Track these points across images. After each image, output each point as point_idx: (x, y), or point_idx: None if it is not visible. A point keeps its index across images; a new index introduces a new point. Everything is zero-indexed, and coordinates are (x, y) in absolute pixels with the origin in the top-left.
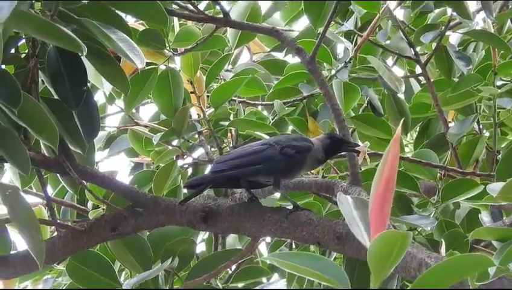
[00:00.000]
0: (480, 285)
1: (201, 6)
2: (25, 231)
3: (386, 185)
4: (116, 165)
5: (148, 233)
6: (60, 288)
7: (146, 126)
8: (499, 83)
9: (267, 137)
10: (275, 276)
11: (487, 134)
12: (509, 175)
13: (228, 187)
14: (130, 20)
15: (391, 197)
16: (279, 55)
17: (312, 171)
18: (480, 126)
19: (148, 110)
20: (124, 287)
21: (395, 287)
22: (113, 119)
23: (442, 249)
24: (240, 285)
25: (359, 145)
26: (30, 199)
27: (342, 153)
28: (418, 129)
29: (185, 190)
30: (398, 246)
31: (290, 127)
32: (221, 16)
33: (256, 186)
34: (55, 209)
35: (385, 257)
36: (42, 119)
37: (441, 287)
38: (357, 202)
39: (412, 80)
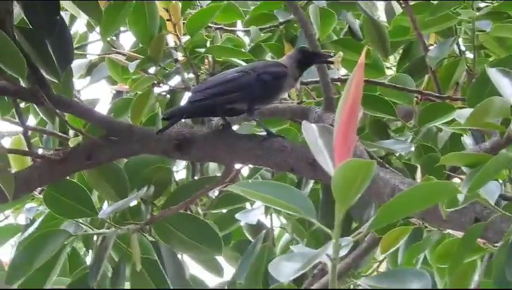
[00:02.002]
0: (452, 211)
1: None
2: None
3: (350, 112)
4: (98, 92)
5: (125, 162)
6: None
7: (122, 54)
8: (480, 5)
9: (244, 64)
10: (258, 202)
11: (471, 56)
12: (480, 100)
13: (204, 116)
14: None
15: (355, 124)
16: None
17: (290, 95)
18: (463, 49)
19: (129, 38)
20: (99, 216)
21: (372, 214)
22: (94, 47)
23: (418, 174)
24: (224, 211)
25: (332, 56)
26: (12, 128)
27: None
28: (400, 52)
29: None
30: (362, 174)
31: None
32: None
33: (233, 114)
34: (37, 138)
35: (348, 186)
36: (8, 49)
37: (408, 213)
38: (322, 130)
39: (395, 4)
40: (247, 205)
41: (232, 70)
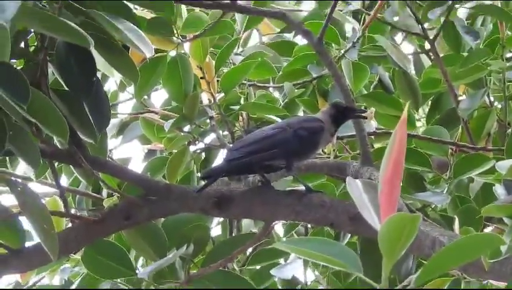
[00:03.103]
0: (494, 262)
1: None
2: (37, 225)
3: (394, 167)
4: (130, 152)
5: (162, 220)
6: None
7: (155, 112)
8: (508, 55)
9: (278, 120)
10: (292, 256)
11: (499, 106)
12: None
13: (242, 174)
14: (138, 8)
15: (400, 179)
16: (289, 36)
17: (325, 150)
18: (491, 99)
19: (159, 96)
20: (139, 276)
21: (410, 266)
22: (125, 106)
23: (456, 226)
24: (258, 267)
25: (365, 111)
26: (45, 189)
27: (354, 133)
28: (429, 104)
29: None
30: (408, 229)
31: (302, 109)
32: (228, 0)
33: (270, 170)
34: (70, 198)
35: (395, 240)
36: (51, 113)
37: (453, 265)
38: (366, 185)
39: (423, 56)
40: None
41: (268, 127)
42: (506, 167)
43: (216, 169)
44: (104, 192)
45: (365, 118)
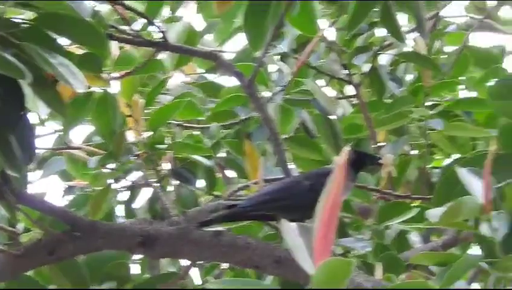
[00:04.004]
0: None
1: (137, 25)
2: None
3: (330, 212)
4: (45, 186)
5: (83, 257)
6: None
7: (79, 148)
8: (430, 103)
9: (204, 160)
10: None
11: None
12: (446, 200)
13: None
14: (67, 43)
15: (335, 224)
16: (211, 77)
17: None
18: (411, 147)
19: (77, 132)
20: None
21: None
22: (43, 140)
23: (378, 272)
24: None
25: (381, 158)
26: None
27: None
28: None
29: (118, 213)
30: (342, 273)
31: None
32: (158, 39)
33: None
34: None
35: (329, 284)
36: None
37: None
38: (300, 229)
39: (343, 101)
40: None
41: (286, 180)
42: (437, 215)
43: (218, 217)
44: (19, 226)
45: (382, 164)
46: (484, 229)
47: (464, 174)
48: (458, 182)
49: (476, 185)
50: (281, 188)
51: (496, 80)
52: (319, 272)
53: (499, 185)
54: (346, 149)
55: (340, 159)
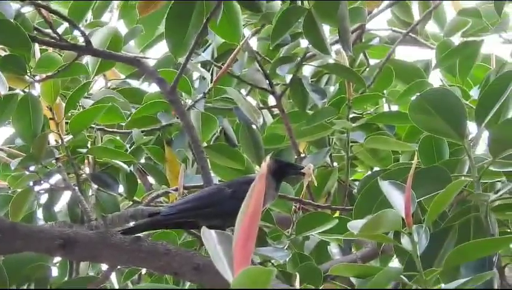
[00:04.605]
0: None
1: (60, 29)
2: None
3: (250, 221)
4: None
5: (3, 257)
6: None
7: (1, 150)
8: (352, 116)
9: (124, 165)
10: None
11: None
12: (367, 211)
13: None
14: None
15: (255, 233)
16: (134, 82)
17: None
18: (332, 159)
19: (0, 133)
20: None
21: None
22: None
23: (297, 283)
24: None
25: (303, 168)
26: None
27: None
28: None
29: (39, 215)
30: (261, 282)
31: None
32: (82, 42)
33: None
34: None
35: None
36: None
37: None
38: (220, 237)
39: (264, 111)
40: None
41: (210, 187)
42: (358, 227)
43: (140, 224)
44: None
45: (303, 174)
46: (405, 242)
47: (386, 186)
48: (379, 194)
49: (398, 198)
50: (203, 195)
51: (418, 94)
52: (239, 280)
53: (420, 198)
54: (268, 159)
55: (262, 168)
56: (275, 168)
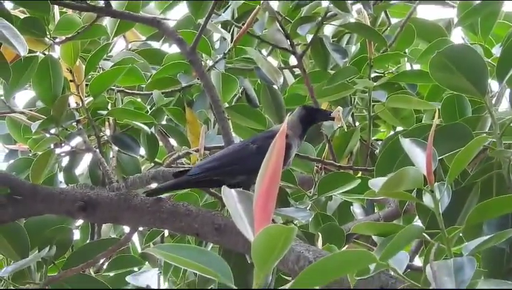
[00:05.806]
0: (359, 279)
1: None
2: None
3: (271, 180)
4: None
5: (25, 220)
6: None
7: (22, 113)
8: (373, 75)
9: (144, 127)
10: (147, 265)
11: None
12: (388, 170)
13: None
14: (11, 7)
15: (276, 192)
16: (155, 44)
17: None
18: (354, 118)
19: (22, 97)
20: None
21: (270, 279)
22: None
23: (319, 243)
24: (112, 274)
25: (331, 112)
26: None
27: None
28: None
29: (60, 178)
30: (282, 241)
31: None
32: (102, 5)
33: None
34: None
35: (269, 251)
36: None
37: (322, 283)
38: (241, 196)
39: (286, 71)
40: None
41: (235, 144)
42: (379, 185)
43: (166, 185)
44: None
45: (333, 119)
46: (427, 200)
47: (407, 144)
48: (400, 153)
49: (419, 156)
50: (228, 153)
51: (437, 51)
52: (259, 239)
53: (442, 156)
54: (288, 117)
55: (283, 126)
56: (304, 115)
